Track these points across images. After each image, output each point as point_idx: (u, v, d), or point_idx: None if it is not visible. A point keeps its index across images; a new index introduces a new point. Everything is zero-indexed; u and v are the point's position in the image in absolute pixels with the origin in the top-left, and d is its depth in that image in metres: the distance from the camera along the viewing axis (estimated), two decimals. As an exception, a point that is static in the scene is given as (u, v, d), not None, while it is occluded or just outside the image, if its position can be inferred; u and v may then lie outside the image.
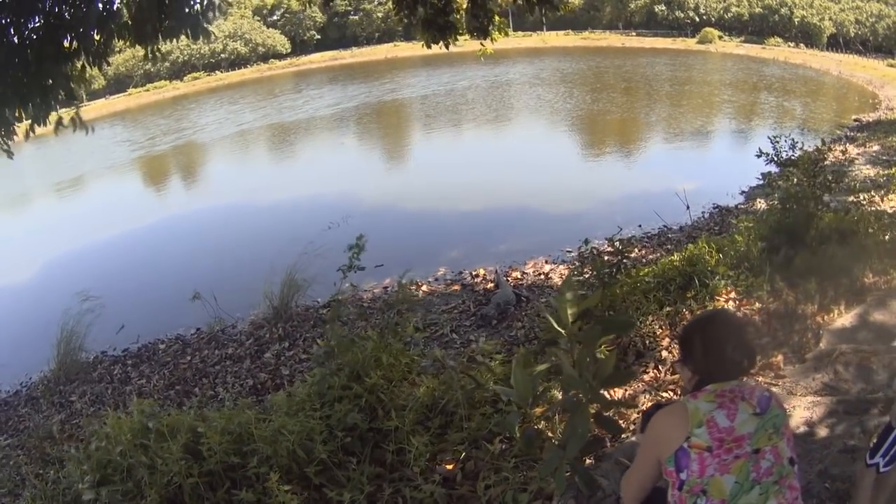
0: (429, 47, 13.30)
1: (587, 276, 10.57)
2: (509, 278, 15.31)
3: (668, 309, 9.45)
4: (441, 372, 7.45)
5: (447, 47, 13.20)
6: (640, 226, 17.91)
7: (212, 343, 13.82)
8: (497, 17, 13.15)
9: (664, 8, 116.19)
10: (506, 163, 28.83)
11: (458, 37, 13.21)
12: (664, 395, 7.35)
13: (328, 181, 28.47)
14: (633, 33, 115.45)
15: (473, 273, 15.99)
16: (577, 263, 12.05)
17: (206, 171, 38.93)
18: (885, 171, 19.44)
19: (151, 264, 20.43)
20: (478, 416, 6.69)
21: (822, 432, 6.05)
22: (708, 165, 27.58)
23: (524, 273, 15.71)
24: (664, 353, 8.40)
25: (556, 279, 14.60)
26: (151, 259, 21.00)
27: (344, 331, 7.46)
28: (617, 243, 10.56)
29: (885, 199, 14.90)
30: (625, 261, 10.64)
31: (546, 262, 16.22)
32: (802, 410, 6.48)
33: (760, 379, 7.34)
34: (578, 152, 32.81)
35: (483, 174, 26.51)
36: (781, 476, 3.19)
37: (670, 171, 26.36)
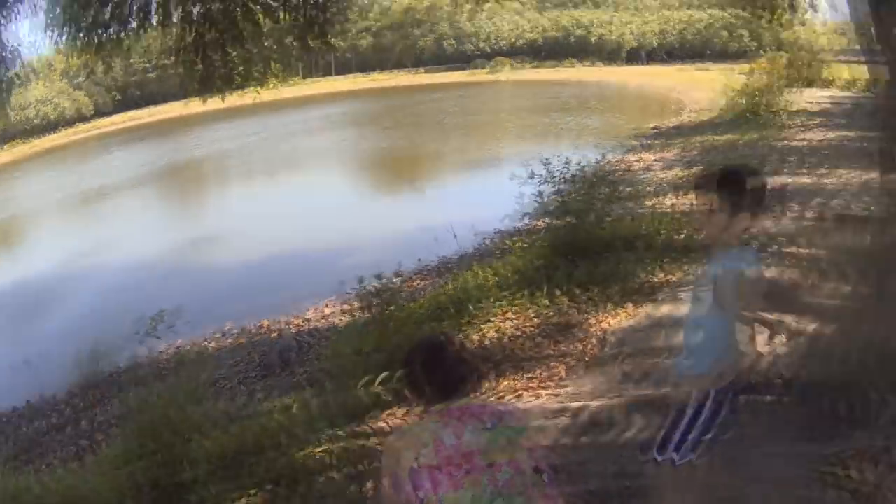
0: (204, 101, 13.48)
1: (364, 314, 10.61)
2: (292, 325, 15.25)
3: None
4: (231, 423, 7.73)
5: (223, 99, 13.27)
6: (419, 259, 17.75)
7: (36, 415, 13.37)
8: (274, 64, 13.01)
9: (453, 42, 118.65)
10: (296, 209, 28.48)
11: (239, 87, 13.15)
12: None
13: (127, 244, 27.21)
14: (422, 70, 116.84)
15: (258, 325, 15.74)
16: (355, 304, 11.87)
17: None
18: (685, 172, 20.00)
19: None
20: (264, 461, 6.85)
21: (614, 433, 6.17)
22: (494, 191, 27.80)
23: (306, 319, 15.54)
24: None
25: (338, 321, 14.34)
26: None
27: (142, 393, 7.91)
28: (386, 280, 10.72)
29: (682, 199, 15.22)
30: (401, 294, 10.81)
31: (328, 305, 15.96)
32: (591, 415, 6.56)
33: (542, 391, 7.43)
34: (366, 192, 32.74)
35: (273, 223, 26.05)
36: (527, 486, 3.22)
37: (456, 201, 26.53)
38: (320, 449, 6.59)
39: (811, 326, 7.27)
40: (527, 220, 16.66)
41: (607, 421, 6.35)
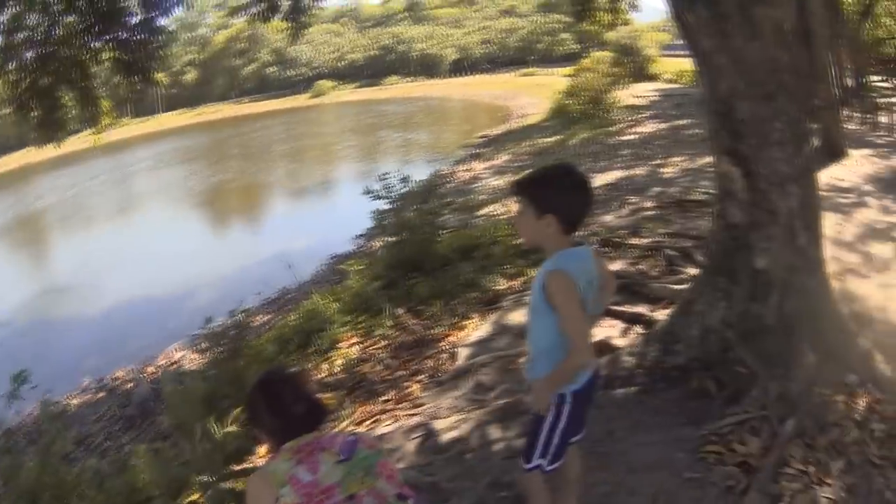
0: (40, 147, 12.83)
1: (213, 356, 10.39)
2: (146, 374, 14.76)
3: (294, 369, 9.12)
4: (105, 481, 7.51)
5: (59, 145, 12.80)
6: (259, 293, 17.46)
7: None
8: (105, 104, 12.67)
9: (275, 69, 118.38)
10: (139, 253, 27.65)
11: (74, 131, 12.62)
12: None
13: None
14: (247, 100, 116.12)
15: (114, 377, 15.15)
16: (203, 345, 11.57)
17: None
18: (517, 176, 20.00)
19: None
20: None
21: (479, 446, 5.98)
22: (325, 216, 27.88)
23: (158, 366, 15.13)
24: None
25: (188, 365, 14.01)
26: None
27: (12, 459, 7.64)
28: (230, 319, 10.51)
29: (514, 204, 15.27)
30: (247, 330, 10.60)
31: (177, 349, 15.58)
32: (450, 432, 6.33)
33: (399, 412, 7.21)
34: (203, 229, 31.99)
35: (118, 270, 25.33)
36: None
37: (291, 229, 26.77)
38: (191, 499, 6.36)
39: (665, 313, 7.24)
40: (362, 242, 16.64)
41: (471, 433, 6.16)
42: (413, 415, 7.01)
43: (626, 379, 6.24)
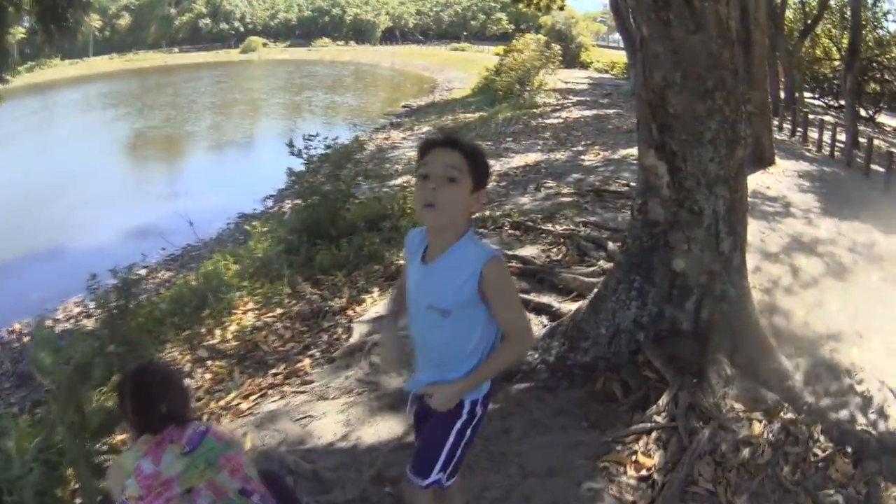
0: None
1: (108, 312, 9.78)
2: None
3: (187, 332, 8.98)
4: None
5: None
6: (163, 249, 16.92)
7: None
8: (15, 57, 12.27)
9: (209, 21, 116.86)
10: (51, 197, 26.66)
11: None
12: None
13: None
14: (177, 50, 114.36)
15: (10, 330, 14.67)
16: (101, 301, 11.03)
17: None
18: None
19: None
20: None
21: (366, 434, 5.57)
22: (242, 172, 27.34)
23: (56, 320, 14.38)
24: (186, 381, 7.58)
25: (85, 321, 13.49)
26: None
27: None
28: (129, 274, 10.03)
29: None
30: (145, 287, 10.04)
31: (75, 304, 14.95)
32: (337, 415, 5.93)
33: (287, 388, 6.82)
34: (118, 177, 30.81)
35: (26, 214, 24.36)
36: None
37: (206, 183, 26.39)
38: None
39: (574, 306, 6.85)
40: (272, 203, 16.18)
41: (358, 419, 5.77)
42: (300, 392, 6.62)
43: (526, 374, 5.86)
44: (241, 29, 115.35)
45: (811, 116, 20.30)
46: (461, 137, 3.25)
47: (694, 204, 5.21)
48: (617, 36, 57.97)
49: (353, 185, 11.94)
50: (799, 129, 19.80)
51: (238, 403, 6.76)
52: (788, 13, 23.97)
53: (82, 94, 73.00)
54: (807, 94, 23.81)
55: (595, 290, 6.14)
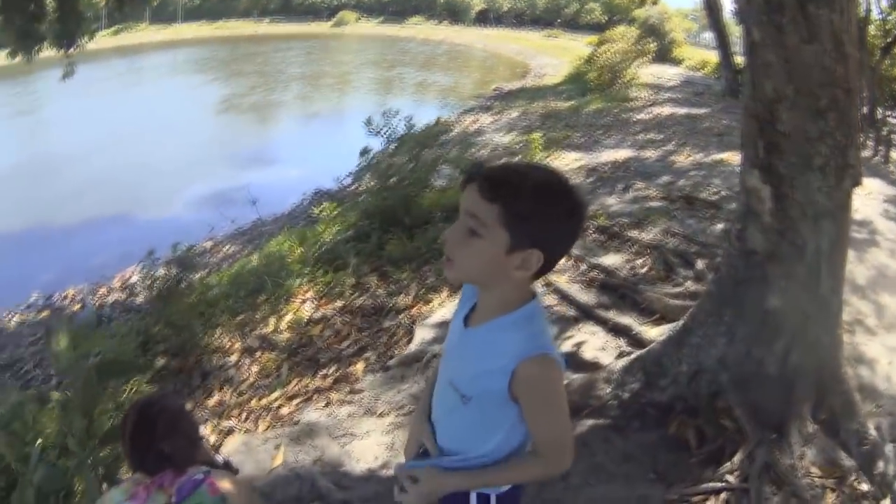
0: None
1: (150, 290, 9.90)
2: (96, 297, 14.10)
3: (240, 317, 8.64)
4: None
5: (29, 60, 12.75)
6: (232, 221, 16.55)
7: None
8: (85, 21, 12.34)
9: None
10: (129, 161, 26.76)
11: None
12: (227, 422, 6.51)
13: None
14: (268, 21, 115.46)
15: (63, 295, 14.57)
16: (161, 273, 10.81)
17: None
18: (522, 137, 19.16)
19: None
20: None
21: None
22: (325, 146, 27.04)
23: (111, 288, 14.38)
24: (231, 372, 7.51)
25: (140, 293, 13.12)
26: None
27: None
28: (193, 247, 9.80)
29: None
30: (205, 263, 9.86)
31: (135, 272, 14.63)
32: (381, 435, 5.55)
33: (334, 395, 6.45)
34: (197, 142, 30.59)
35: (105, 176, 24.51)
36: None
37: (284, 155, 26.26)
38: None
39: (656, 332, 6.29)
40: (349, 181, 15.78)
41: (403, 446, 5.18)
42: (347, 402, 6.23)
43: (596, 409, 5.28)
44: (334, 2, 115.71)
45: (893, 136, 19.50)
46: (507, 173, 2.33)
47: (797, 236, 4.60)
48: (707, 35, 57.05)
49: (433, 170, 11.46)
50: (881, 147, 19.08)
51: (280, 406, 6.48)
52: (870, 29, 23.18)
53: (169, 58, 74.35)
54: (888, 113, 22.99)
55: (681, 321, 5.57)
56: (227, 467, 3.35)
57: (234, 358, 7.76)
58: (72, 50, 12.86)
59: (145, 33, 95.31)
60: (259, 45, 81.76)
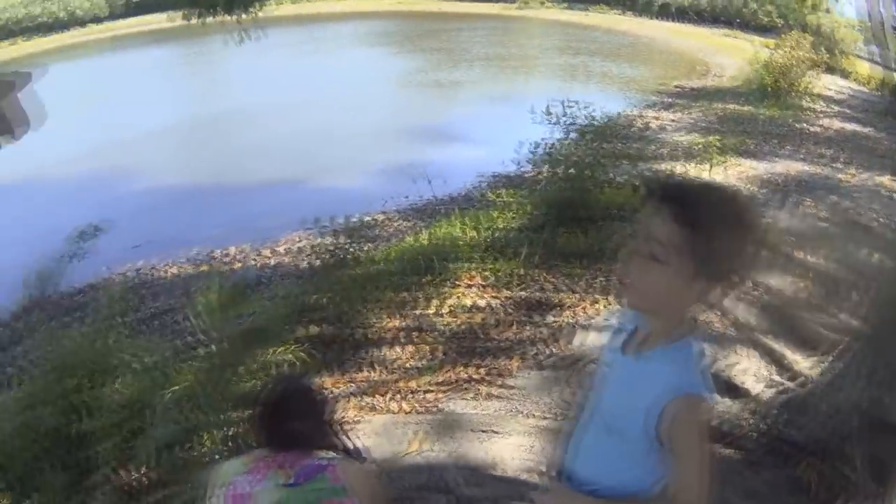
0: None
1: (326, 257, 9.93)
2: (258, 258, 14.22)
3: (402, 295, 8.66)
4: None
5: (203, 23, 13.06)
6: (406, 197, 16.65)
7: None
8: None
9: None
10: (308, 125, 27.41)
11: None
12: (371, 399, 6.62)
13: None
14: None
15: (225, 253, 14.81)
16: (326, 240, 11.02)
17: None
18: (702, 139, 18.84)
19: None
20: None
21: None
22: (506, 128, 26.79)
23: (275, 251, 14.47)
24: (384, 350, 7.58)
25: (305, 259, 13.28)
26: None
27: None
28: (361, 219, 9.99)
29: (698, 168, 14.16)
30: (375, 236, 10.64)
31: (300, 238, 14.89)
32: (523, 437, 5.60)
33: (483, 388, 6.49)
34: (379, 115, 30.72)
35: (284, 140, 25.24)
36: None
37: (462, 133, 26.02)
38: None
39: (806, 364, 6.18)
40: (529, 168, 15.66)
41: (543, 451, 5.28)
42: (496, 397, 6.31)
43: (736, 439, 5.27)
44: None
45: None
46: (699, 198, 2.15)
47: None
48: (872, 48, 54.92)
49: (613, 165, 11.39)
50: None
51: (428, 391, 6.54)
52: None
53: (350, 29, 75.09)
54: None
55: (831, 356, 5.47)
56: (357, 455, 3.31)
57: (389, 335, 7.79)
58: (244, 16, 13.11)
59: (325, 3, 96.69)
60: (442, 22, 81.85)
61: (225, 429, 5.24)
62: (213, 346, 5.90)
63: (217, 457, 5.05)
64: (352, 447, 3.28)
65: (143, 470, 5.60)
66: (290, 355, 6.62)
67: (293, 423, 3.02)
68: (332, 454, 3.11)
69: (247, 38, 13.44)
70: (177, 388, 6.32)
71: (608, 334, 2.58)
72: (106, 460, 5.65)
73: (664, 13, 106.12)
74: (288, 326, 7.61)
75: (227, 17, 12.98)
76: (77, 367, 6.54)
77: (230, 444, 4.95)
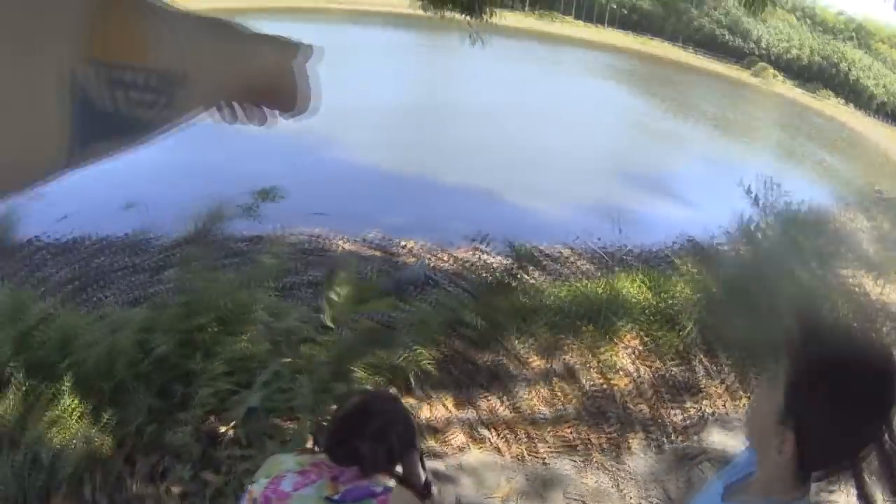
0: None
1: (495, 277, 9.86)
2: (434, 258, 14.10)
3: (559, 337, 8.29)
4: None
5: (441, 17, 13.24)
6: (598, 238, 16.07)
7: (127, 250, 13.29)
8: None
9: (725, 31, 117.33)
10: (552, 146, 27.86)
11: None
12: (483, 431, 6.41)
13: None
14: (691, 49, 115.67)
15: (403, 244, 14.77)
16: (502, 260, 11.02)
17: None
18: (888, 253, 17.79)
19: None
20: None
21: None
22: (712, 194, 26.31)
23: (454, 257, 14.24)
24: (518, 387, 7.28)
25: (478, 272, 12.99)
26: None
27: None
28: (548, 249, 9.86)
29: (876, 283, 13.29)
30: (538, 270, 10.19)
31: (480, 250, 14.70)
32: None
33: (596, 456, 6.21)
34: (611, 154, 31.27)
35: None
36: None
37: (675, 188, 25.84)
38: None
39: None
40: (721, 239, 15.25)
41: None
42: (604, 468, 6.00)
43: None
44: (755, 51, 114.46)
45: None
46: (814, 332, 1.84)
47: None
48: None
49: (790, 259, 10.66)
50: None
51: (542, 441, 6.31)
52: None
53: (590, 58, 76.29)
54: None
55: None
56: (425, 488, 3.08)
57: (529, 374, 7.55)
58: (473, 19, 13.20)
59: (566, 26, 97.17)
60: (679, 72, 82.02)
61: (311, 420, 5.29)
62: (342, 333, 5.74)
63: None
64: (423, 481, 3.08)
65: (231, 423, 5.80)
66: (417, 366, 6.55)
67: (359, 443, 2.82)
68: (391, 482, 2.89)
69: (479, 41, 13.50)
70: (289, 361, 6.52)
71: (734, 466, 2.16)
72: (202, 402, 5.87)
73: (880, 112, 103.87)
74: (429, 336, 7.40)
75: (460, 17, 13.07)
76: (210, 308, 6.80)
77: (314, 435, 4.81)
